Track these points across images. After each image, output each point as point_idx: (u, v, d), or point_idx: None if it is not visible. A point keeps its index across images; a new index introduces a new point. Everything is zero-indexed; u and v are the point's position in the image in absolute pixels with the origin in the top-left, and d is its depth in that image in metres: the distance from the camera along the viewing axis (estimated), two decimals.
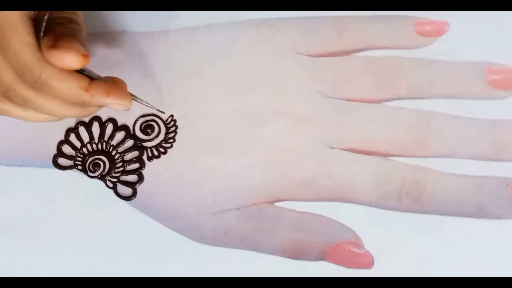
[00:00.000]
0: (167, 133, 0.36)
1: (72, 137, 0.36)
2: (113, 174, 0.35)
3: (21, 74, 0.27)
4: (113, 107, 0.30)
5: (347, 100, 0.36)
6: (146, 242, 0.35)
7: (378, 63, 0.36)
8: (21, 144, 0.36)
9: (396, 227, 0.34)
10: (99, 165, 0.35)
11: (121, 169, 0.35)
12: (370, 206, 0.35)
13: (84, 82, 0.28)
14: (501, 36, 0.36)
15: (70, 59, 0.27)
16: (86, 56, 0.27)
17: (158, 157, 0.36)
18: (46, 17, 0.27)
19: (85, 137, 0.36)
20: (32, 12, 0.27)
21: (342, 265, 0.34)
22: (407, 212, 0.35)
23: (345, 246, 0.34)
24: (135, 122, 0.36)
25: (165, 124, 0.36)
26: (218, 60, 0.37)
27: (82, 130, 0.36)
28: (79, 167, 0.35)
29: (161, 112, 0.35)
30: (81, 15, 0.30)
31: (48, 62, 0.27)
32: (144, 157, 0.36)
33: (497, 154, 0.35)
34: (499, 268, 0.34)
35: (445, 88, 0.36)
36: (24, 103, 0.28)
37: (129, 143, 0.36)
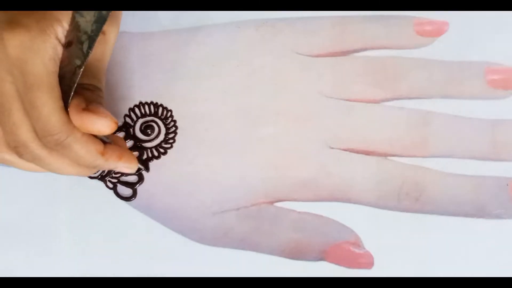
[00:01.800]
0: (167, 133, 0.36)
1: None
2: (113, 175, 0.35)
3: (43, 136, 0.27)
4: (121, 170, 0.32)
5: (347, 100, 0.36)
6: (146, 242, 0.35)
7: (378, 63, 0.36)
8: None
9: (396, 227, 0.34)
10: None
11: None
12: (370, 206, 0.35)
13: (100, 146, 0.29)
14: (501, 36, 0.36)
15: (102, 123, 0.27)
16: (116, 123, 0.28)
17: (158, 157, 0.36)
18: (77, 79, 0.27)
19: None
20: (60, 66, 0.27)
21: (342, 265, 0.34)
22: (407, 212, 0.35)
23: (345, 246, 0.34)
24: (135, 123, 0.36)
25: (165, 124, 0.36)
26: (217, 61, 0.37)
27: None
28: None
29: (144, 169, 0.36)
30: (104, 84, 0.31)
31: (74, 126, 0.28)
32: (144, 158, 0.36)
33: (497, 154, 0.35)
34: (499, 268, 0.34)
35: (445, 88, 0.36)
36: (32, 160, 0.29)
37: (129, 143, 0.36)
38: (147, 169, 0.35)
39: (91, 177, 0.35)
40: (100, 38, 0.28)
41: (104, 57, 0.31)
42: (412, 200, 0.35)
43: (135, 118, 0.36)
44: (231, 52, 0.37)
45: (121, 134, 0.36)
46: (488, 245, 0.34)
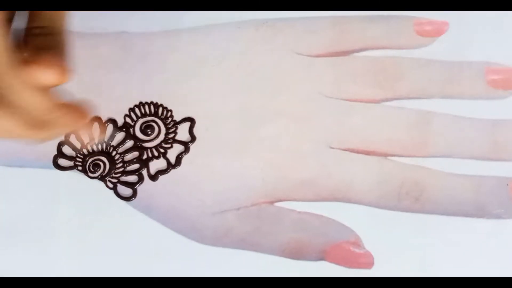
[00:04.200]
0: (167, 133, 0.36)
1: (72, 138, 0.36)
2: (113, 175, 0.35)
3: None
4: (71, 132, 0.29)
5: (347, 100, 0.36)
6: (146, 242, 0.35)
7: (378, 63, 0.36)
8: (21, 144, 0.36)
9: (396, 227, 0.34)
10: (99, 166, 0.35)
11: (121, 169, 0.36)
12: (370, 206, 0.35)
13: (48, 98, 0.25)
14: (501, 36, 0.36)
15: (49, 76, 0.24)
16: (67, 72, 0.24)
17: (158, 157, 0.36)
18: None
19: (85, 138, 0.36)
20: (6, 13, 0.24)
21: (342, 265, 0.34)
22: (407, 212, 0.35)
23: (345, 246, 0.34)
24: (135, 123, 0.36)
25: (165, 124, 0.36)
26: (217, 61, 0.37)
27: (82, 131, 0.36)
28: (79, 168, 0.35)
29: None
30: (65, 20, 0.26)
31: (15, 69, 0.24)
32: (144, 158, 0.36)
33: (497, 154, 0.35)
34: (499, 268, 0.34)
35: (445, 88, 0.36)
36: None
37: (129, 143, 0.36)
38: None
39: (91, 177, 0.35)
40: None
41: None
42: (412, 200, 0.35)
43: (135, 118, 0.36)
44: (231, 52, 0.37)
45: (121, 134, 0.36)
46: (488, 245, 0.34)
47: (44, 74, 0.24)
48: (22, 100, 0.24)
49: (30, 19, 0.25)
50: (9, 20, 0.25)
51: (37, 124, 0.25)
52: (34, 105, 0.24)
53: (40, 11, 0.25)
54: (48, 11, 0.25)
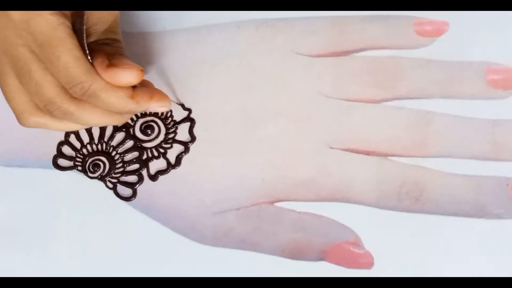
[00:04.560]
0: (167, 133, 0.36)
1: (72, 138, 0.36)
2: (113, 175, 0.35)
3: (69, 88, 0.27)
4: (155, 110, 0.32)
5: (347, 100, 0.36)
6: (146, 242, 0.35)
7: (378, 63, 0.36)
8: (21, 144, 0.36)
9: (396, 227, 0.34)
10: (99, 166, 0.35)
11: (121, 169, 0.36)
12: (370, 206, 0.35)
13: (129, 90, 0.29)
14: (501, 36, 0.36)
15: (128, 75, 0.28)
16: (142, 70, 0.29)
17: (158, 157, 0.36)
18: (84, 27, 0.28)
19: (85, 138, 0.36)
20: (71, 25, 0.28)
21: (342, 265, 0.34)
22: (407, 212, 0.35)
23: (345, 246, 0.34)
24: (135, 123, 0.36)
25: (165, 124, 0.36)
26: (217, 61, 0.37)
27: (82, 131, 0.36)
28: (79, 168, 0.36)
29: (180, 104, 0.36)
30: (120, 34, 0.31)
31: (97, 74, 0.28)
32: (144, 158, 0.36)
33: (497, 154, 0.35)
34: (499, 268, 0.34)
35: (445, 88, 0.36)
36: (64, 116, 0.29)
37: (129, 143, 0.36)
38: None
39: (91, 177, 0.35)
40: None
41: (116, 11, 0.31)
42: (412, 200, 0.35)
43: (135, 118, 0.36)
44: (231, 52, 0.37)
45: (121, 134, 0.36)
46: (488, 245, 0.34)
47: (124, 74, 0.28)
48: (108, 93, 0.28)
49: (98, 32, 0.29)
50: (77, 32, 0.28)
51: (122, 111, 0.30)
52: (118, 95, 0.28)
53: (97, 25, 0.30)
54: (104, 26, 0.30)
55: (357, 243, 0.34)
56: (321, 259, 0.34)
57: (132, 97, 0.29)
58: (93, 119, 0.29)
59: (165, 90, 0.36)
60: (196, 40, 0.37)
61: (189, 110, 0.36)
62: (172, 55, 0.37)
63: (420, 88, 0.36)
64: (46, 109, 0.28)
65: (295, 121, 0.36)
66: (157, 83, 0.36)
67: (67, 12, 0.28)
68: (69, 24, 0.27)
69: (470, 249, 0.34)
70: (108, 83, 0.28)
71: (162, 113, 0.36)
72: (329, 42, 0.37)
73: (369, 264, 0.34)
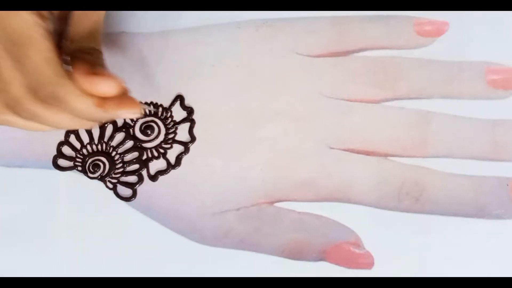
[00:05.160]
0: (167, 134, 0.36)
1: (72, 138, 0.36)
2: (113, 175, 0.35)
3: (34, 89, 0.27)
4: (125, 117, 0.31)
5: (347, 100, 0.36)
6: (146, 242, 0.35)
7: (378, 63, 0.36)
8: (21, 145, 0.36)
9: (396, 227, 0.34)
10: (99, 166, 0.35)
11: (121, 170, 0.36)
12: (370, 206, 0.35)
13: (98, 99, 0.28)
14: (501, 36, 0.36)
15: (108, 85, 0.27)
16: (121, 82, 0.28)
17: (158, 158, 0.36)
18: (68, 30, 0.27)
19: (85, 138, 0.36)
20: (51, 26, 0.27)
21: (342, 266, 0.34)
22: (407, 212, 0.35)
23: (345, 247, 0.34)
24: (135, 123, 0.36)
25: (165, 124, 0.36)
26: (217, 61, 0.37)
27: (82, 131, 0.36)
28: (79, 168, 0.35)
29: (153, 106, 0.36)
30: (101, 45, 0.30)
31: (66, 79, 0.27)
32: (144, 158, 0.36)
33: (497, 154, 0.35)
34: (499, 268, 0.34)
35: (445, 88, 0.36)
36: (30, 117, 0.28)
37: (129, 144, 0.36)
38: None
39: (91, 178, 0.35)
40: None
41: (99, 19, 0.30)
42: (412, 200, 0.35)
43: (134, 119, 0.36)
44: (231, 52, 0.37)
45: (121, 135, 0.36)
46: (488, 245, 0.34)
47: (104, 84, 0.27)
48: (75, 99, 0.27)
49: (71, 40, 0.28)
50: (56, 34, 0.28)
51: (89, 119, 0.29)
52: (86, 103, 0.27)
53: (78, 32, 0.29)
54: (85, 33, 0.29)
55: (357, 243, 0.34)
56: (321, 259, 0.34)
57: (100, 106, 0.28)
58: (61, 122, 0.29)
59: (165, 90, 0.36)
60: (196, 40, 0.37)
61: (190, 110, 0.36)
62: (172, 55, 0.37)
63: (420, 88, 0.36)
64: (13, 109, 0.28)
65: (295, 121, 0.36)
66: (157, 83, 0.36)
67: (45, 13, 0.27)
68: (44, 25, 0.27)
69: (470, 249, 0.34)
70: (77, 89, 0.27)
71: (162, 113, 0.36)
72: (329, 42, 0.37)
73: (369, 264, 0.34)
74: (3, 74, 0.27)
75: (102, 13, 0.30)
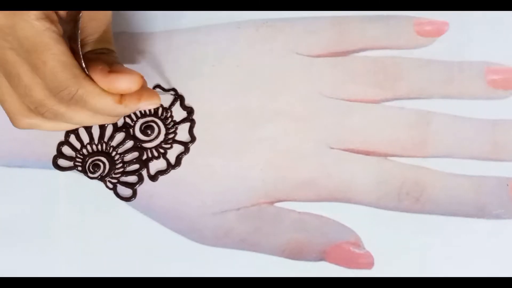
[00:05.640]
0: (167, 134, 0.36)
1: (72, 138, 0.36)
2: (113, 175, 0.35)
3: (56, 93, 0.27)
4: (145, 108, 0.31)
5: (347, 100, 0.36)
6: (146, 242, 0.35)
7: (378, 63, 0.36)
8: (21, 145, 0.36)
9: (396, 227, 0.34)
10: (99, 166, 0.35)
11: (121, 170, 0.36)
12: (370, 206, 0.35)
13: (116, 96, 0.29)
14: (501, 36, 0.36)
15: (129, 81, 0.28)
16: (141, 76, 0.29)
17: (158, 158, 0.36)
18: (78, 32, 0.28)
19: (85, 138, 0.36)
20: (62, 30, 0.28)
21: (342, 266, 0.34)
22: (407, 212, 0.35)
23: (345, 247, 0.34)
24: (135, 123, 0.36)
25: (165, 124, 0.36)
26: (218, 61, 0.37)
27: (82, 131, 0.36)
28: (79, 168, 0.35)
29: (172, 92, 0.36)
30: (113, 44, 0.31)
31: (85, 79, 0.28)
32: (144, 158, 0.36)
33: (497, 154, 0.35)
34: (499, 268, 0.34)
35: (445, 88, 0.36)
36: (54, 117, 0.29)
37: (129, 144, 0.36)
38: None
39: (91, 178, 0.35)
40: None
41: (108, 19, 0.31)
42: (412, 200, 0.35)
43: (135, 118, 0.36)
44: (231, 52, 0.37)
45: (121, 135, 0.36)
46: (488, 245, 0.34)
47: (126, 80, 0.28)
48: (95, 99, 0.28)
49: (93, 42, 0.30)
50: (70, 38, 0.28)
51: (111, 115, 0.30)
52: (105, 101, 0.28)
53: (91, 36, 0.30)
54: (98, 36, 0.30)
55: (357, 243, 0.34)
56: (321, 259, 0.34)
57: (120, 102, 0.29)
58: (84, 120, 0.29)
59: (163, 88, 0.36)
60: (196, 40, 0.37)
61: (190, 110, 0.36)
62: (172, 55, 0.37)
63: (420, 88, 0.36)
64: (37, 110, 0.28)
65: (295, 121, 0.36)
66: (157, 83, 0.36)
67: (54, 17, 0.27)
68: (55, 29, 0.27)
69: (470, 249, 0.34)
70: (95, 88, 0.28)
71: (162, 113, 0.36)
72: (329, 42, 0.37)
73: (369, 264, 0.34)
74: (23, 80, 0.28)
75: (109, 13, 0.31)
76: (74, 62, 0.27)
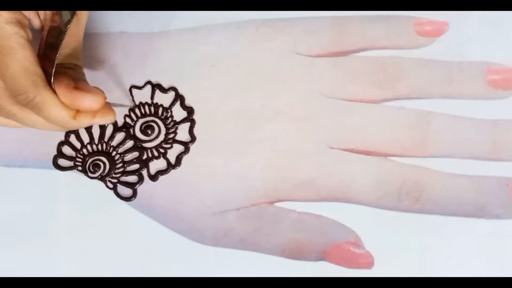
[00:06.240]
0: (167, 133, 0.36)
1: (72, 138, 0.36)
2: (113, 175, 0.35)
3: (14, 96, 0.28)
4: (99, 123, 0.32)
5: (347, 100, 0.36)
6: (146, 242, 0.35)
7: (378, 63, 0.36)
8: (21, 145, 0.36)
9: (396, 227, 0.34)
10: (99, 166, 0.35)
11: (121, 170, 0.36)
12: (370, 206, 0.35)
13: (72, 111, 0.29)
14: (501, 36, 0.36)
15: (92, 99, 0.29)
16: (104, 96, 0.29)
17: (158, 158, 0.36)
18: (60, 43, 0.28)
19: (85, 138, 0.36)
20: (30, 35, 0.28)
21: (342, 265, 0.34)
22: (407, 212, 0.35)
23: (345, 246, 0.34)
24: (135, 123, 0.36)
25: (165, 124, 0.36)
26: (217, 61, 0.37)
27: (82, 131, 0.36)
28: (79, 168, 0.35)
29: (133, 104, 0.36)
30: (81, 61, 0.32)
31: (44, 88, 0.28)
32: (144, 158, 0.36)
33: (497, 154, 0.35)
34: (499, 268, 0.34)
35: (445, 88, 0.36)
36: (7, 115, 0.30)
37: (129, 143, 0.36)
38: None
39: (91, 177, 0.35)
40: (74, 19, 0.29)
41: (81, 36, 0.32)
42: (412, 200, 0.35)
43: (135, 118, 0.36)
44: (231, 52, 0.37)
45: (121, 134, 0.36)
46: (488, 245, 0.34)
47: (89, 99, 0.29)
48: (50, 109, 0.28)
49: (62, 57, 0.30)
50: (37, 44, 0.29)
51: (63, 127, 0.30)
52: (60, 113, 0.29)
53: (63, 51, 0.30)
54: (69, 52, 0.31)
55: (357, 243, 0.34)
56: (321, 259, 0.34)
57: (74, 118, 0.29)
58: (35, 124, 0.30)
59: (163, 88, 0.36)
60: (196, 40, 0.37)
61: (190, 110, 0.36)
62: (172, 55, 0.37)
63: (420, 88, 0.36)
64: None
65: (295, 121, 0.36)
66: (157, 83, 0.36)
67: (25, 22, 0.28)
68: (23, 35, 0.28)
69: (470, 249, 0.34)
70: (53, 99, 0.28)
71: (162, 113, 0.36)
72: (329, 42, 0.37)
73: (369, 264, 0.34)
74: None
75: (82, 31, 0.31)
76: (37, 70, 0.28)
